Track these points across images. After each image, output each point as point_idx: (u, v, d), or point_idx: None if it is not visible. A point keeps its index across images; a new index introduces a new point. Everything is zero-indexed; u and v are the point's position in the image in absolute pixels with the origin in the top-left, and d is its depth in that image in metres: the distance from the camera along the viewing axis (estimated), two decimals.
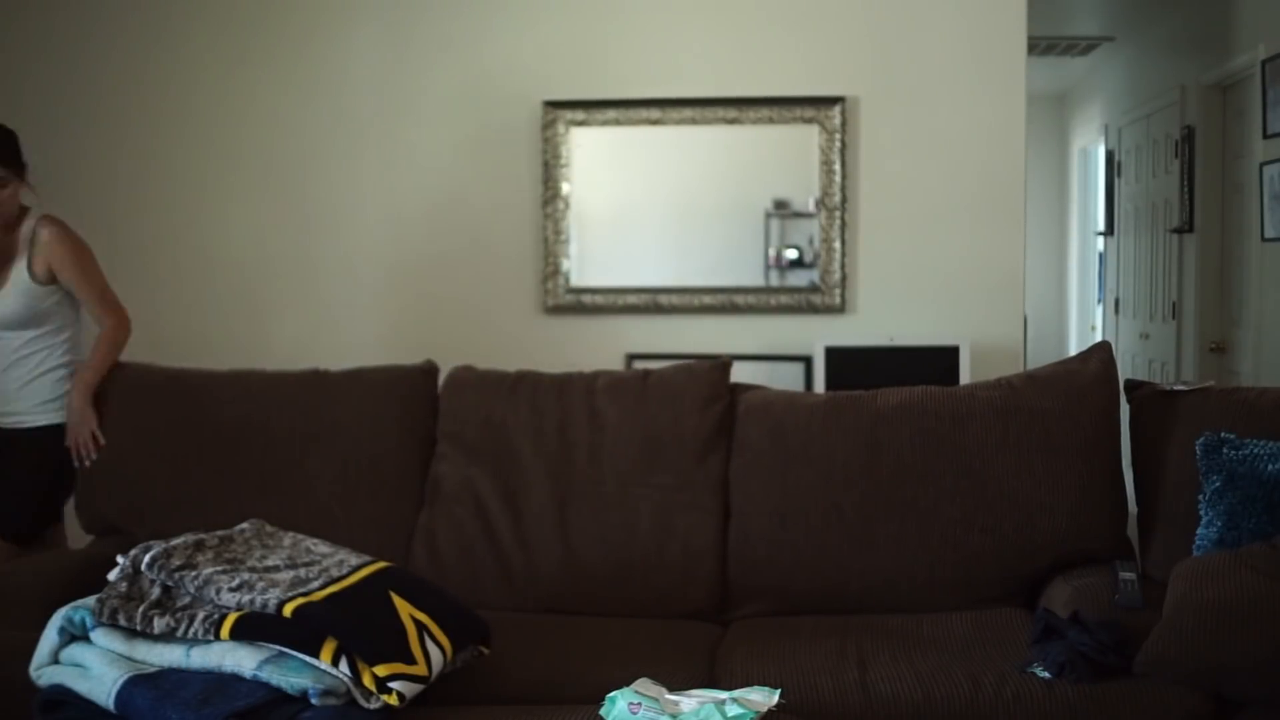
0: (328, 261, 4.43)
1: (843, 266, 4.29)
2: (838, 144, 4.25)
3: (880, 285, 4.31)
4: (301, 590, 2.18)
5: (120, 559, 2.26)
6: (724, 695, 2.01)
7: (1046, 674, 2.29)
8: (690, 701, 2.00)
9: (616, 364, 4.30)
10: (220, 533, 2.38)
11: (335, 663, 2.08)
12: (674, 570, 2.87)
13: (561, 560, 2.89)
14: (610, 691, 2.05)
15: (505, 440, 3.00)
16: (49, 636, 2.18)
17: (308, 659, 2.08)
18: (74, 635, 2.18)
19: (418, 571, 2.79)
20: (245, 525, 2.45)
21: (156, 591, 2.20)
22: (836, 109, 4.24)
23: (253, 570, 2.24)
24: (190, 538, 2.31)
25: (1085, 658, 2.28)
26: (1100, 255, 8.07)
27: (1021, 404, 2.82)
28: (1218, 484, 2.62)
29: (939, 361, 4.01)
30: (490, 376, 3.11)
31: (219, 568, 2.22)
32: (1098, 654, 2.28)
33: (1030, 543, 2.76)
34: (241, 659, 2.08)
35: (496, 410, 3.03)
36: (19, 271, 3.19)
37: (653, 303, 4.37)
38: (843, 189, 4.27)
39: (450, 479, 3.01)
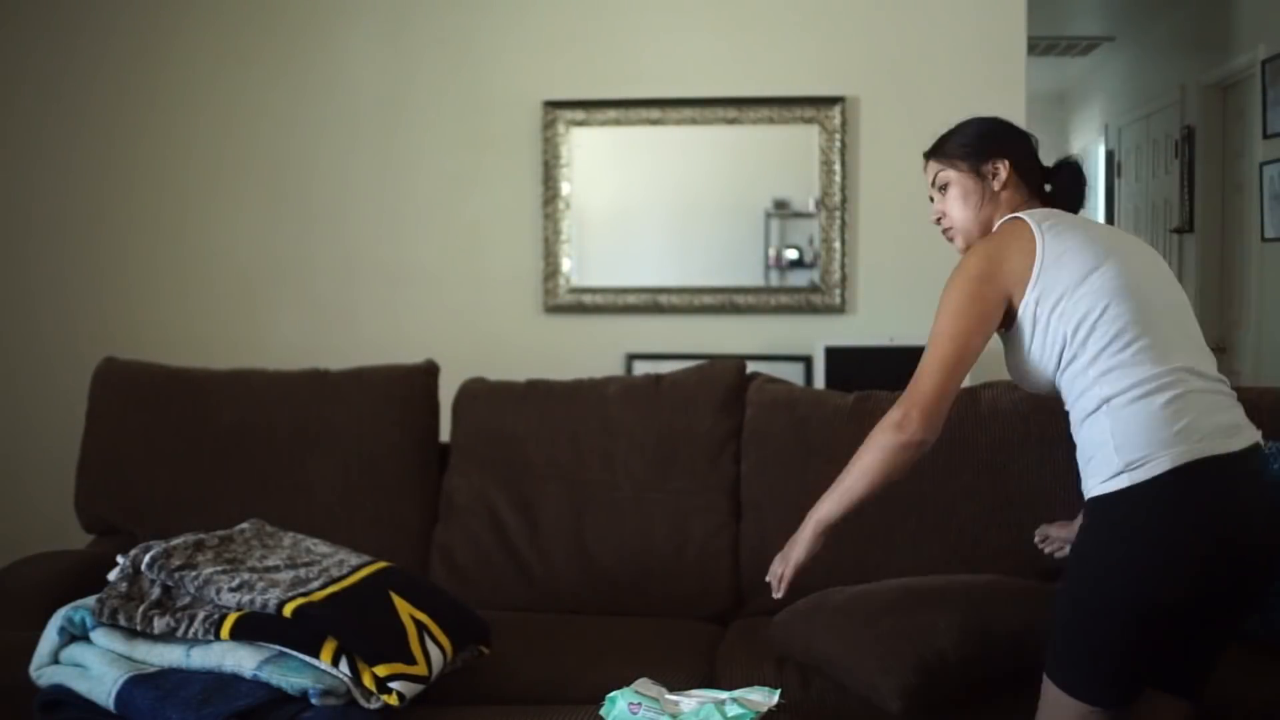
0: (328, 261, 4.43)
1: (843, 266, 4.29)
2: (838, 144, 4.24)
3: (880, 285, 4.31)
4: (301, 590, 2.18)
5: (120, 559, 2.26)
6: (724, 695, 2.01)
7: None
8: (690, 701, 2.00)
9: (617, 364, 4.30)
10: (220, 533, 2.38)
11: (335, 663, 2.08)
12: (692, 574, 2.88)
13: (580, 568, 2.89)
14: (610, 691, 2.05)
15: (518, 451, 3.00)
16: (49, 636, 2.18)
17: (308, 659, 2.08)
18: (74, 635, 2.18)
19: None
20: (245, 525, 2.45)
21: (156, 591, 2.20)
22: (836, 109, 4.24)
23: (253, 570, 2.24)
24: (190, 538, 2.31)
25: None
26: None
27: (1041, 402, 2.80)
28: None
29: None
30: (501, 388, 3.10)
31: (219, 568, 2.22)
32: None
33: None
34: (242, 659, 2.08)
35: (508, 421, 3.03)
36: None
37: (653, 303, 4.37)
38: (843, 189, 4.27)
39: (463, 492, 3.01)
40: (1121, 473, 1.93)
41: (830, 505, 2.16)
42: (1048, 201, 2.20)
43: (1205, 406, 1.95)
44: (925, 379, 2.08)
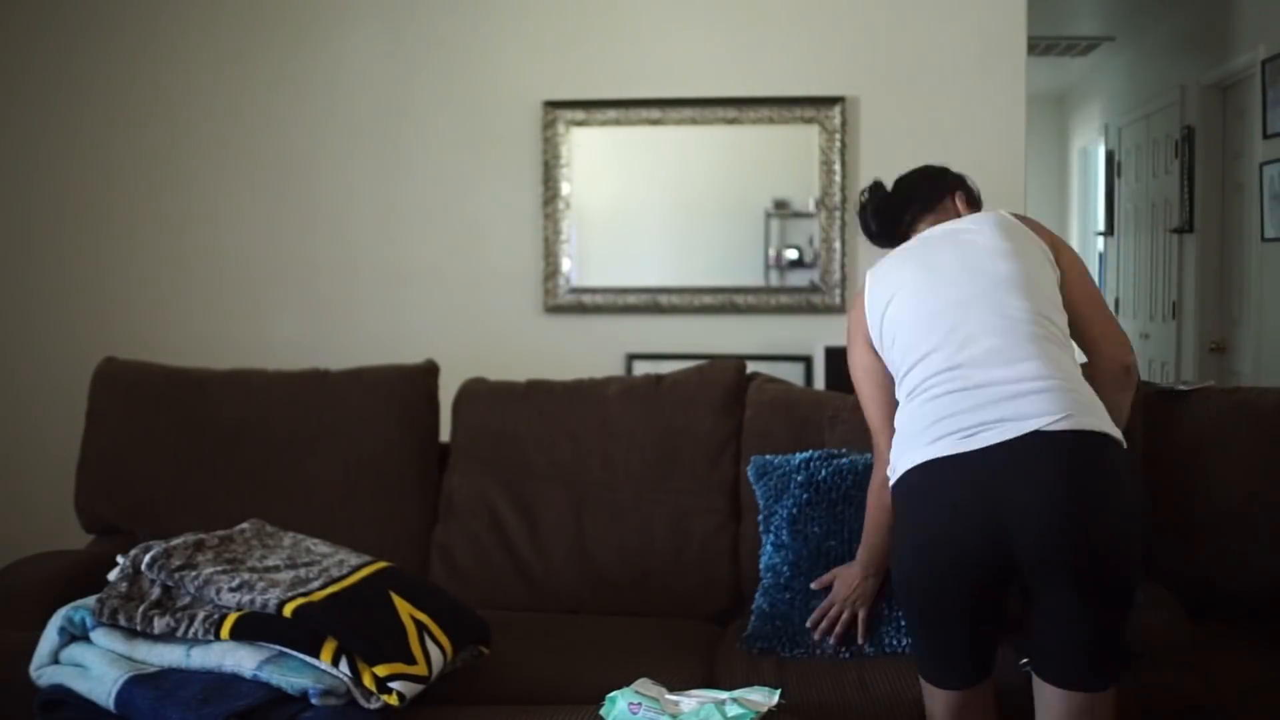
0: (328, 261, 4.43)
1: (843, 266, 4.29)
2: (838, 144, 4.25)
3: None
4: (301, 590, 2.18)
5: (120, 559, 2.26)
6: (724, 695, 2.01)
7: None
8: (690, 701, 2.00)
9: (617, 364, 4.30)
10: (220, 533, 2.38)
11: (335, 663, 2.08)
12: (692, 574, 2.88)
13: (580, 568, 2.89)
14: (610, 691, 2.05)
15: (518, 451, 3.00)
16: (49, 636, 2.18)
17: (308, 659, 2.08)
18: (74, 635, 2.18)
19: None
20: (245, 525, 2.45)
21: (156, 591, 2.20)
22: (836, 109, 4.24)
23: (253, 570, 2.24)
24: (190, 538, 2.31)
25: None
26: (1100, 255, 8.07)
27: None
28: None
29: None
30: (501, 388, 3.10)
31: (219, 568, 2.22)
32: None
33: None
34: (241, 659, 2.08)
35: (508, 421, 3.02)
36: None
37: (653, 303, 4.37)
38: (843, 189, 4.27)
39: (463, 492, 3.00)
40: (894, 468, 2.16)
41: None
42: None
43: (961, 407, 2.06)
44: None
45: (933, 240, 2.29)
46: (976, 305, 2.14)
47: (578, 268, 4.37)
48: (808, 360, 4.22)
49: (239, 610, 2.12)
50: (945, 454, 2.03)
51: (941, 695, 2.13)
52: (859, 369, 2.36)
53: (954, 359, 2.10)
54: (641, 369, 4.19)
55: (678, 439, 2.95)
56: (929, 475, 2.05)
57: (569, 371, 3.18)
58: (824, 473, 2.58)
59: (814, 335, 4.19)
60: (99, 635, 2.15)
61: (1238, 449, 2.70)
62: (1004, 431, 1.99)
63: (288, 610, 2.10)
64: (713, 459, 2.94)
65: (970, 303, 2.15)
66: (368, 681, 2.09)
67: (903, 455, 2.12)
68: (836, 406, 2.90)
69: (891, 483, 2.16)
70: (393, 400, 3.09)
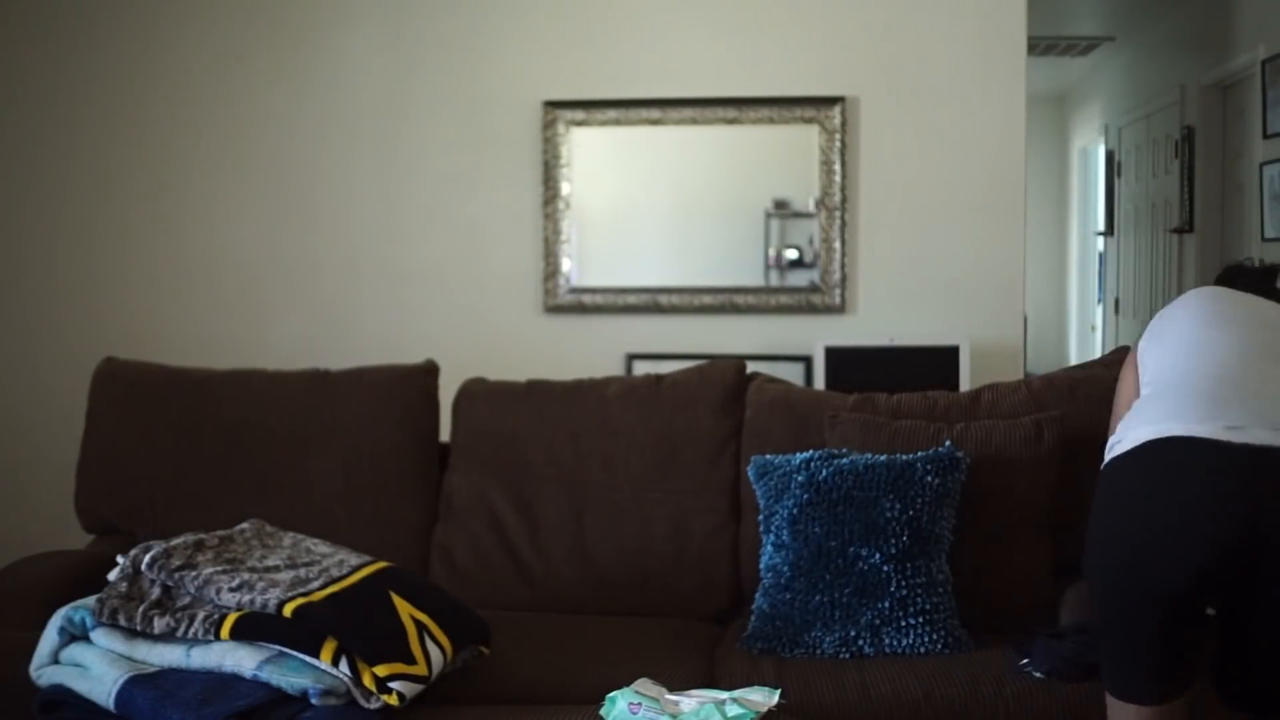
0: (328, 261, 4.43)
1: (843, 266, 4.29)
2: (838, 144, 4.25)
3: (880, 285, 4.31)
4: (301, 590, 2.18)
5: (120, 559, 2.26)
6: (724, 695, 2.01)
7: (1039, 673, 2.30)
8: (690, 701, 2.00)
9: (617, 364, 4.30)
10: (220, 533, 2.38)
11: (335, 663, 2.08)
12: (692, 574, 2.87)
13: (580, 568, 2.89)
14: (610, 691, 2.05)
15: (518, 451, 2.99)
16: (49, 636, 2.18)
17: (308, 659, 2.08)
18: (74, 635, 2.18)
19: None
20: (245, 525, 2.45)
21: (156, 591, 2.20)
22: (836, 109, 4.24)
23: (253, 570, 2.24)
24: (190, 538, 2.31)
25: (1069, 661, 2.28)
26: (1100, 255, 8.08)
27: (1046, 406, 2.78)
28: None
29: (939, 361, 4.01)
30: (501, 388, 3.10)
31: (219, 568, 2.22)
32: (1076, 656, 2.28)
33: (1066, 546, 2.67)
34: (241, 659, 2.08)
35: (508, 421, 3.02)
36: None
37: (653, 303, 4.37)
38: (843, 189, 4.27)
39: (463, 492, 3.00)
40: (1120, 440, 2.01)
41: None
42: None
43: (1220, 397, 1.94)
44: None
45: (1223, 314, 2.19)
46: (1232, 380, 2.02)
47: (578, 268, 4.38)
48: (808, 360, 4.22)
49: (239, 610, 2.12)
50: (1208, 436, 1.82)
51: (1133, 714, 1.97)
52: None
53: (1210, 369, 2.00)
54: (641, 369, 4.19)
55: (678, 439, 2.95)
56: (1183, 454, 1.84)
57: (569, 371, 3.18)
58: (824, 473, 2.57)
59: (814, 335, 4.19)
60: (99, 635, 2.15)
61: None
62: (1276, 437, 1.84)
63: (288, 610, 2.10)
64: (713, 459, 2.94)
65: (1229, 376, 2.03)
66: (368, 681, 2.09)
67: (1140, 427, 1.92)
68: (836, 406, 2.90)
69: (1112, 456, 1.95)
70: (393, 400, 3.09)
